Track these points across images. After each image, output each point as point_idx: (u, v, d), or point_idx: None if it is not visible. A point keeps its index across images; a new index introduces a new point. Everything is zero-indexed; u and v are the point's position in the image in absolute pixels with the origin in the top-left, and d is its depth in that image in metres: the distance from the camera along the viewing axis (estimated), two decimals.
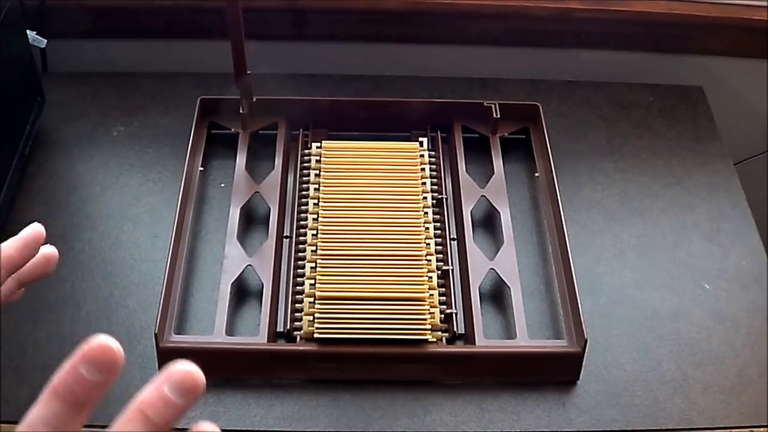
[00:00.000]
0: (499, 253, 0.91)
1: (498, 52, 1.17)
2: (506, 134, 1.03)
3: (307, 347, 0.82)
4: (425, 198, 0.92)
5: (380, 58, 1.17)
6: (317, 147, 0.97)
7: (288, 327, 0.84)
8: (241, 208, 0.93)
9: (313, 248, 0.87)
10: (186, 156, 0.95)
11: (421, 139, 0.99)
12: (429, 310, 0.83)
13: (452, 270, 0.89)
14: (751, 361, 0.86)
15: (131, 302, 0.87)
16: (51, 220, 0.94)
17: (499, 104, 1.02)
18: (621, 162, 1.04)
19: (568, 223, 0.91)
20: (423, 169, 0.95)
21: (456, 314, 0.86)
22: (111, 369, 0.38)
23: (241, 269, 0.88)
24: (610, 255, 0.94)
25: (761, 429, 0.81)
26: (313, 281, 0.84)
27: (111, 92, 1.09)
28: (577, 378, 0.83)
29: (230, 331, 0.84)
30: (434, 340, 0.82)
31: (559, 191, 0.94)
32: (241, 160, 0.98)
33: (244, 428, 0.79)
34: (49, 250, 0.57)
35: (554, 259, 0.92)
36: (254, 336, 0.83)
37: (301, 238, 0.91)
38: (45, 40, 1.02)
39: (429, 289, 0.84)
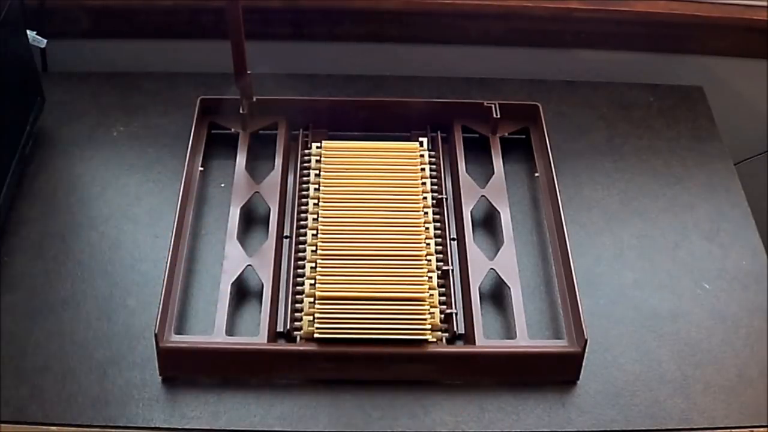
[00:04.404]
0: (499, 253, 0.91)
1: (498, 52, 1.17)
2: (506, 134, 1.03)
3: (307, 347, 0.82)
4: (425, 198, 0.92)
5: (380, 58, 1.17)
6: (317, 147, 0.97)
7: (288, 327, 0.84)
8: (241, 208, 0.93)
9: (313, 248, 0.87)
10: (186, 156, 0.95)
11: (421, 139, 0.99)
12: (429, 310, 0.83)
13: (452, 270, 0.89)
14: (751, 361, 0.86)
15: (131, 302, 0.87)
16: (51, 220, 0.94)
17: (499, 104, 1.02)
18: (621, 162, 1.04)
19: (568, 223, 0.91)
20: (423, 169, 0.95)
21: (456, 314, 0.86)
22: None
23: (241, 269, 0.88)
24: (610, 255, 0.94)
25: (761, 429, 0.81)
26: (313, 281, 0.84)
27: (111, 92, 1.09)
28: (577, 378, 0.83)
29: (230, 331, 0.84)
30: (434, 340, 0.82)
31: (559, 191, 0.94)
32: (241, 160, 0.98)
33: (244, 428, 0.79)
34: None
35: (554, 259, 0.92)
36: (254, 336, 0.83)
37: (301, 238, 0.91)
38: (45, 40, 1.02)
39: (429, 289, 0.84)
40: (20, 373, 0.81)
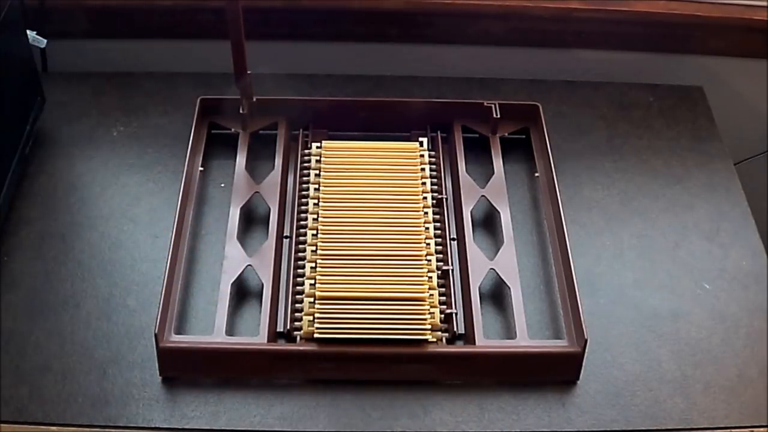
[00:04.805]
0: (499, 253, 0.91)
1: (498, 52, 1.17)
2: (506, 134, 1.03)
3: (307, 347, 0.82)
4: (425, 198, 0.92)
5: (380, 58, 1.17)
6: (317, 147, 0.97)
7: (288, 327, 0.84)
8: (241, 208, 0.93)
9: (313, 248, 0.87)
10: (186, 156, 0.95)
11: (421, 139, 0.99)
12: (429, 310, 0.83)
13: (452, 270, 0.89)
14: (751, 361, 0.86)
15: (131, 302, 0.87)
16: (51, 220, 0.94)
17: (499, 104, 1.02)
18: (621, 162, 1.04)
19: (568, 223, 0.91)
20: (423, 169, 0.95)
21: (456, 314, 0.86)
22: None
23: (241, 269, 0.88)
24: (610, 255, 0.94)
25: (761, 429, 0.81)
26: (313, 281, 0.84)
27: (111, 92, 1.09)
28: (577, 378, 0.83)
29: (230, 331, 0.84)
30: (434, 340, 0.82)
31: (559, 191, 0.94)
32: (241, 160, 0.98)
33: (244, 428, 0.79)
34: None
35: (554, 259, 0.92)
36: (254, 336, 0.83)
37: (301, 238, 0.91)
38: (45, 40, 1.02)
39: (429, 289, 0.84)
40: (20, 373, 0.81)
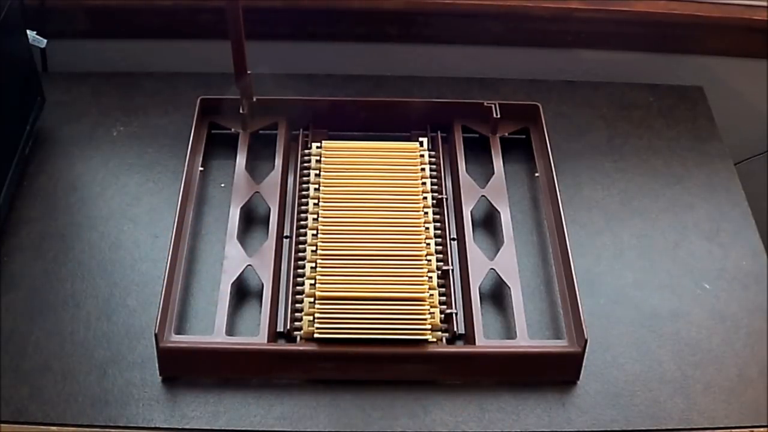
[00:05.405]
0: (499, 253, 0.91)
1: (498, 52, 1.17)
2: (506, 134, 1.03)
3: (307, 347, 0.82)
4: (425, 198, 0.92)
5: (380, 58, 1.17)
6: (317, 147, 0.97)
7: (288, 327, 0.84)
8: (241, 208, 0.93)
9: (313, 248, 0.87)
10: (186, 156, 0.95)
11: (421, 139, 0.99)
12: (429, 310, 0.83)
13: (452, 270, 0.89)
14: (751, 361, 0.86)
15: (131, 302, 0.87)
16: (51, 220, 0.94)
17: (499, 104, 1.02)
18: (621, 162, 1.04)
19: (568, 223, 0.91)
20: (423, 169, 0.95)
21: (456, 314, 0.86)
22: None
23: (241, 269, 0.88)
24: (610, 255, 0.94)
25: (761, 429, 0.81)
26: (313, 281, 0.84)
27: (111, 92, 1.09)
28: (577, 378, 0.83)
29: (230, 331, 0.84)
30: (434, 340, 0.82)
31: (559, 191, 0.94)
32: (241, 160, 0.98)
33: (244, 428, 0.79)
34: None
35: (554, 259, 0.92)
36: (254, 336, 0.83)
37: (301, 238, 0.91)
38: (45, 40, 1.02)
39: (429, 289, 0.84)
40: (20, 373, 0.81)
